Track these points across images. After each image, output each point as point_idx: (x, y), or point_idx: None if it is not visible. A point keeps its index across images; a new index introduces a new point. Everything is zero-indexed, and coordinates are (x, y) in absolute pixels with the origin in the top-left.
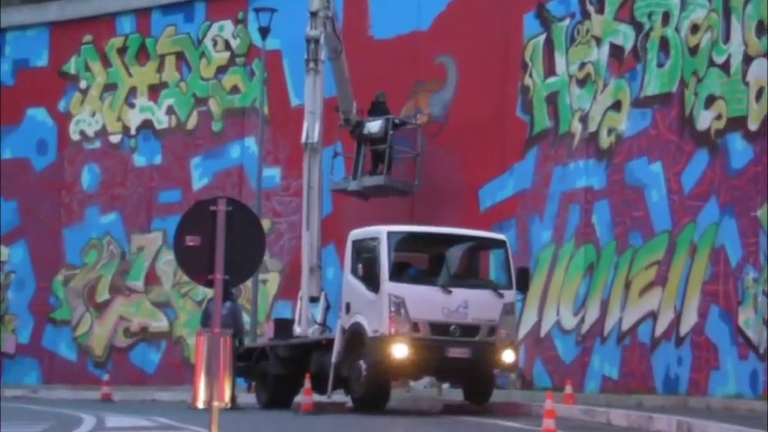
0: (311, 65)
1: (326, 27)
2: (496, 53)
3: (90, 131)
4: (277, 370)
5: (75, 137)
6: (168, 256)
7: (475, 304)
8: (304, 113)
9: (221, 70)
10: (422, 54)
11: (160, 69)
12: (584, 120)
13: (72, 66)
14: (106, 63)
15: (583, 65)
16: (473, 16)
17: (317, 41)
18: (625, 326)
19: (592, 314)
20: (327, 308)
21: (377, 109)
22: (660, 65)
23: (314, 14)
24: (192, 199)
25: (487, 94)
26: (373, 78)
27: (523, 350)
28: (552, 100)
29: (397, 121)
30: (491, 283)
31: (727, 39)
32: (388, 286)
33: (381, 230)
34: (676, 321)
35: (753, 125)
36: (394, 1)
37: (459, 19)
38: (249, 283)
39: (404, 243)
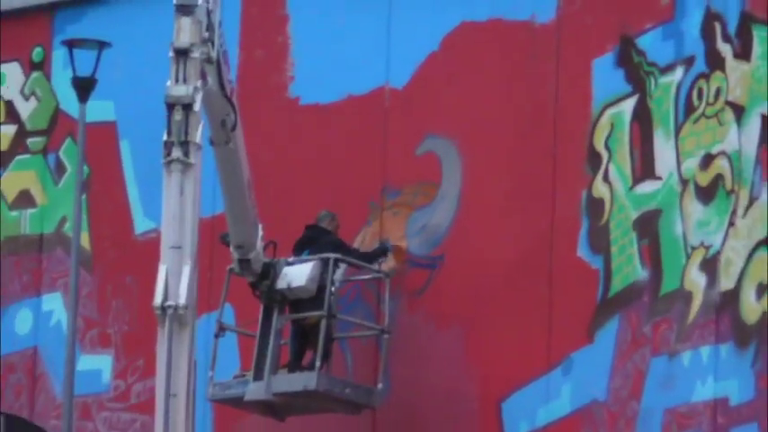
0: (176, 153)
1: (207, 80)
2: (537, 133)
3: None
4: None
5: None
6: None
7: None
8: (160, 249)
9: None
10: (393, 134)
11: None
12: (710, 267)
13: None
14: None
15: (709, 159)
16: (490, 60)
17: (187, 108)
18: None
19: None
20: None
21: (313, 242)
22: None
23: (182, 54)
24: None
25: (519, 213)
26: (298, 181)
27: None
28: (648, 227)
29: (341, 266)
30: None
31: None
32: None
33: None
34: None
35: None
36: (338, 29)
37: (463, 66)
38: None
39: None
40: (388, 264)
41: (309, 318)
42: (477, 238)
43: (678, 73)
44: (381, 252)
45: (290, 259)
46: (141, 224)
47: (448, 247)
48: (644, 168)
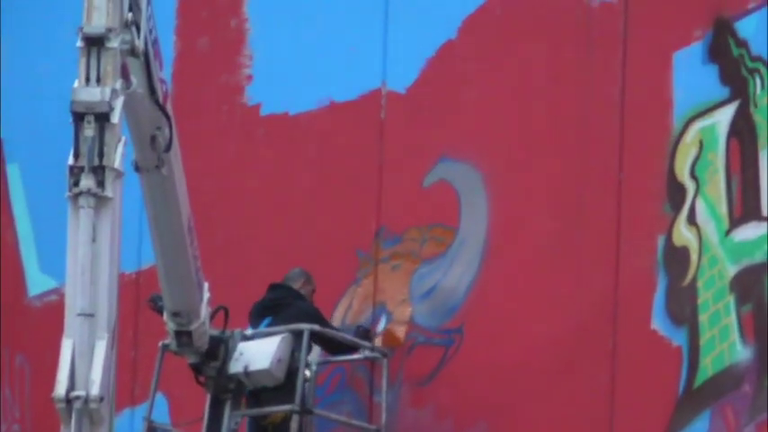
0: (86, 183)
1: (131, 80)
2: (595, 156)
3: None
4: None
5: None
6: None
7: None
8: (64, 317)
9: None
10: (392, 156)
11: None
12: None
13: None
14: None
15: None
16: (528, 53)
17: (102, 119)
18: None
19: None
20: None
21: (278, 309)
22: None
23: (96, 44)
24: None
25: (569, 269)
26: (258, 222)
27: None
28: (752, 287)
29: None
30: None
31: None
32: None
33: None
34: None
35: None
36: (314, 8)
37: (490, 61)
38: None
39: None
40: (386, 339)
41: (275, 414)
42: (510, 303)
43: None
44: (362, 338)
45: (249, 332)
46: (37, 283)
47: (468, 316)
48: (746, 205)
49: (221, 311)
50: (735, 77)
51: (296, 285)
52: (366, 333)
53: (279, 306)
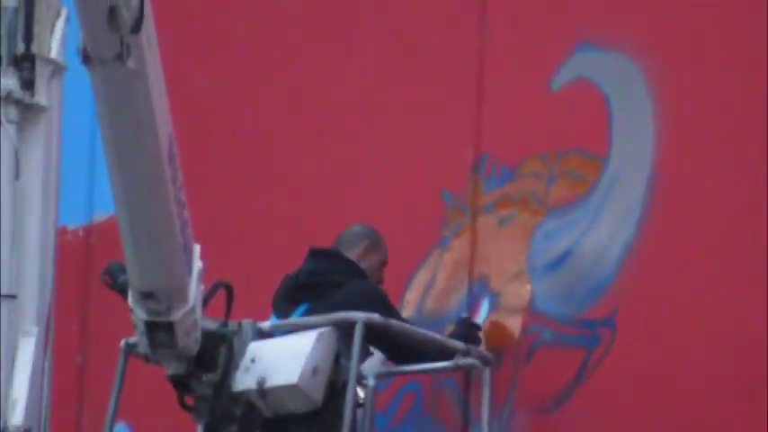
0: (5, 83)
1: None
2: None
3: None
4: None
5: None
6: None
7: None
8: None
9: None
10: (498, 40)
11: None
12: None
13: None
14: None
15: None
16: None
17: None
18: None
19: None
20: None
21: (319, 288)
22: None
23: None
24: None
25: None
26: (286, 147)
27: None
28: None
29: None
30: None
31: None
32: None
33: None
34: None
35: None
36: None
37: None
38: None
39: None
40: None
41: None
42: (688, 279)
43: None
44: (465, 337)
45: (266, 324)
46: None
47: (623, 299)
48: None
49: (222, 291)
50: None
51: (352, 253)
52: (472, 327)
53: (322, 285)
